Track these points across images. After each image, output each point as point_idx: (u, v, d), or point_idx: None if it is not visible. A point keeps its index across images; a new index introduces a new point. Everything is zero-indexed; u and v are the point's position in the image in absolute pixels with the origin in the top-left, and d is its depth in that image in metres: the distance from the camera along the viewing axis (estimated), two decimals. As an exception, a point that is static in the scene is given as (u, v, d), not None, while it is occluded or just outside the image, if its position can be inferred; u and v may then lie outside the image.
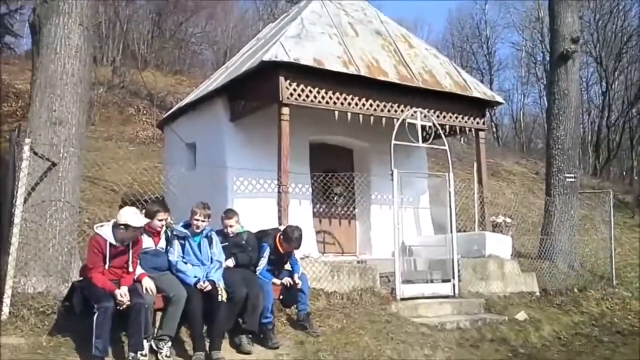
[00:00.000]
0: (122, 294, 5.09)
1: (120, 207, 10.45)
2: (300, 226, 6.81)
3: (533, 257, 11.13)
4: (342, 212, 10.16)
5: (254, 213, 8.23)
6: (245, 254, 6.29)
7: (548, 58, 33.21)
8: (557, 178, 11.56)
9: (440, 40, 40.03)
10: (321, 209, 10.09)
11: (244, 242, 6.33)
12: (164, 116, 11.59)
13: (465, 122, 9.90)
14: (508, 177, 21.68)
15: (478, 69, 37.86)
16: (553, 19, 12.04)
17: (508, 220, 11.20)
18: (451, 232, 8.65)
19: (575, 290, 9.98)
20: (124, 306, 5.08)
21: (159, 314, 5.61)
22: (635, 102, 29.87)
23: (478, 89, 10.00)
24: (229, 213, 6.41)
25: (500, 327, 7.71)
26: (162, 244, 5.86)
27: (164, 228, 5.87)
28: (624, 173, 33.21)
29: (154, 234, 5.79)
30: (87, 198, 13.45)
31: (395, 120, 8.77)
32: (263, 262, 6.28)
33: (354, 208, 10.32)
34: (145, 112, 21.08)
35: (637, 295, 10.48)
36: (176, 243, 5.86)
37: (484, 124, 10.16)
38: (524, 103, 39.07)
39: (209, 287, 5.65)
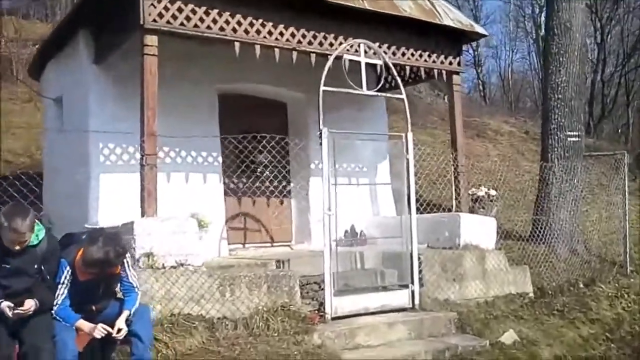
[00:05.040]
0: None
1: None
2: (190, 219, 4.81)
3: (524, 239, 8.66)
4: (272, 188, 7.54)
5: (132, 194, 5.73)
6: (44, 289, 3.55)
7: (537, 11, 31.24)
8: (556, 137, 8.98)
9: (424, -9, 36.81)
10: (240, 185, 7.47)
11: (37, 263, 3.53)
12: (31, 61, 8.66)
13: (433, 61, 7.16)
14: (495, 137, 19.34)
15: (464, 23, 34.94)
16: None
17: (492, 192, 8.66)
18: (410, 214, 6.07)
19: (581, 285, 7.54)
20: None
21: None
22: (632, 53, 27.35)
23: (450, 16, 7.20)
24: (16, 213, 3.42)
25: (479, 359, 5.22)
26: None
27: None
28: (619, 131, 30.81)
29: None
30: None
31: (329, 57, 6.09)
32: (62, 293, 3.60)
33: (288, 182, 7.72)
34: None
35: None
36: None
37: (459, 64, 7.43)
38: (512, 59, 36.36)
39: None
